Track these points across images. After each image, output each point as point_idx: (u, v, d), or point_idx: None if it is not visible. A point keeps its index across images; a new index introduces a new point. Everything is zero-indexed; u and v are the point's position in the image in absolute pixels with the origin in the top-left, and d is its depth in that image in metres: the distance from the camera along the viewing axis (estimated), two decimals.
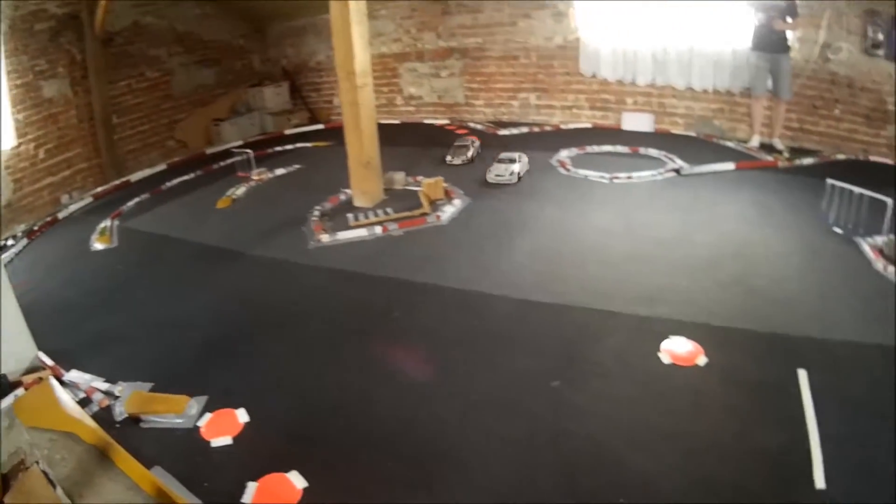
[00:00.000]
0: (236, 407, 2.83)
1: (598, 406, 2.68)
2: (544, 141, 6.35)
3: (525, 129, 6.78)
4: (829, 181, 4.70)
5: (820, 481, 2.28)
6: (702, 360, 2.90)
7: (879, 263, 4.14)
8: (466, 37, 7.14)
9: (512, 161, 5.45)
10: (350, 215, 4.89)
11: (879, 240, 4.45)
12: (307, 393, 2.96)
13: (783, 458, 2.38)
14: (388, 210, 4.96)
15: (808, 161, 6.26)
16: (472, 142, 6.17)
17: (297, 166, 6.44)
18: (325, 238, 4.62)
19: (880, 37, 6.68)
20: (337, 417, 2.76)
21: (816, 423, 2.55)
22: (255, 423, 2.75)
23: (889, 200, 4.41)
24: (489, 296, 3.59)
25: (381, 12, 7.59)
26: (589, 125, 6.85)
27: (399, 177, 5.53)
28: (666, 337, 3.05)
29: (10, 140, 6.00)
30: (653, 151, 5.92)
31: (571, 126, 6.86)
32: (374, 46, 6.85)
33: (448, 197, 5.07)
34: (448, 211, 4.81)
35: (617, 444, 2.47)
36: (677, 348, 2.96)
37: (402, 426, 2.66)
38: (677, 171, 5.40)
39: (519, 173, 5.36)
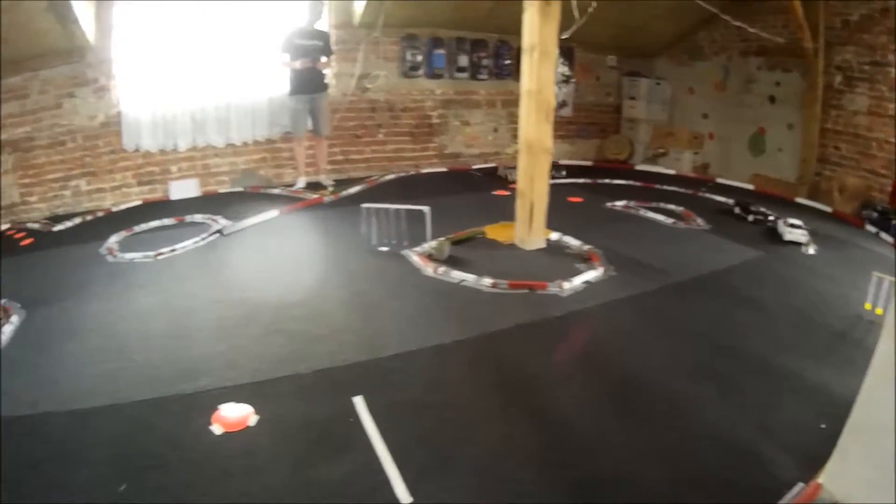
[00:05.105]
0: None
1: (156, 497, 2.37)
2: (95, 229, 5.62)
3: (78, 220, 5.93)
4: (364, 205, 5.05)
5: (404, 496, 2.36)
6: (253, 420, 2.82)
7: (429, 268, 4.58)
8: (15, 127, 5.87)
9: None
10: None
11: (426, 246, 4.92)
12: None
13: (353, 487, 2.41)
14: None
15: (354, 189, 6.74)
16: None
17: None
18: None
19: (419, 59, 7.74)
20: None
21: (383, 441, 2.66)
22: None
23: (426, 209, 4.92)
24: (47, 414, 2.88)
25: None
26: (139, 202, 6.43)
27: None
28: (215, 408, 2.88)
29: None
30: (198, 217, 5.77)
31: (123, 207, 6.32)
32: None
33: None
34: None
35: None
36: (228, 416, 2.83)
37: None
38: (220, 231, 5.33)
39: None
